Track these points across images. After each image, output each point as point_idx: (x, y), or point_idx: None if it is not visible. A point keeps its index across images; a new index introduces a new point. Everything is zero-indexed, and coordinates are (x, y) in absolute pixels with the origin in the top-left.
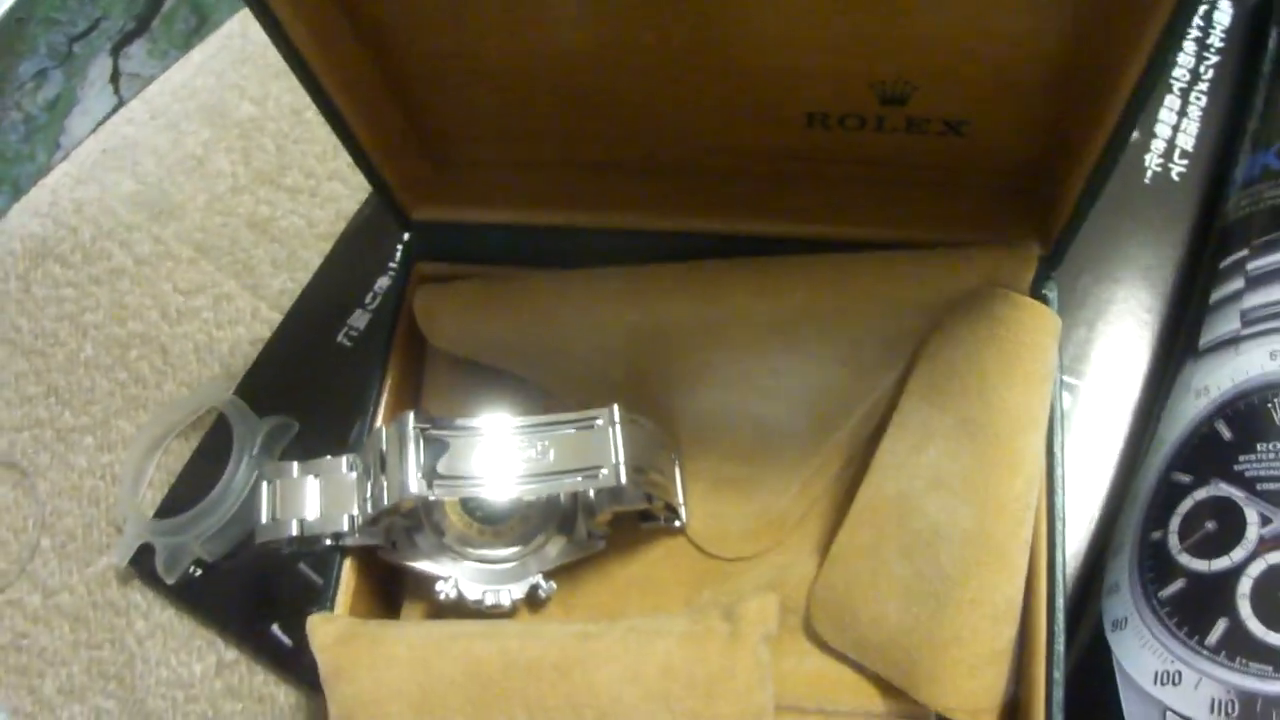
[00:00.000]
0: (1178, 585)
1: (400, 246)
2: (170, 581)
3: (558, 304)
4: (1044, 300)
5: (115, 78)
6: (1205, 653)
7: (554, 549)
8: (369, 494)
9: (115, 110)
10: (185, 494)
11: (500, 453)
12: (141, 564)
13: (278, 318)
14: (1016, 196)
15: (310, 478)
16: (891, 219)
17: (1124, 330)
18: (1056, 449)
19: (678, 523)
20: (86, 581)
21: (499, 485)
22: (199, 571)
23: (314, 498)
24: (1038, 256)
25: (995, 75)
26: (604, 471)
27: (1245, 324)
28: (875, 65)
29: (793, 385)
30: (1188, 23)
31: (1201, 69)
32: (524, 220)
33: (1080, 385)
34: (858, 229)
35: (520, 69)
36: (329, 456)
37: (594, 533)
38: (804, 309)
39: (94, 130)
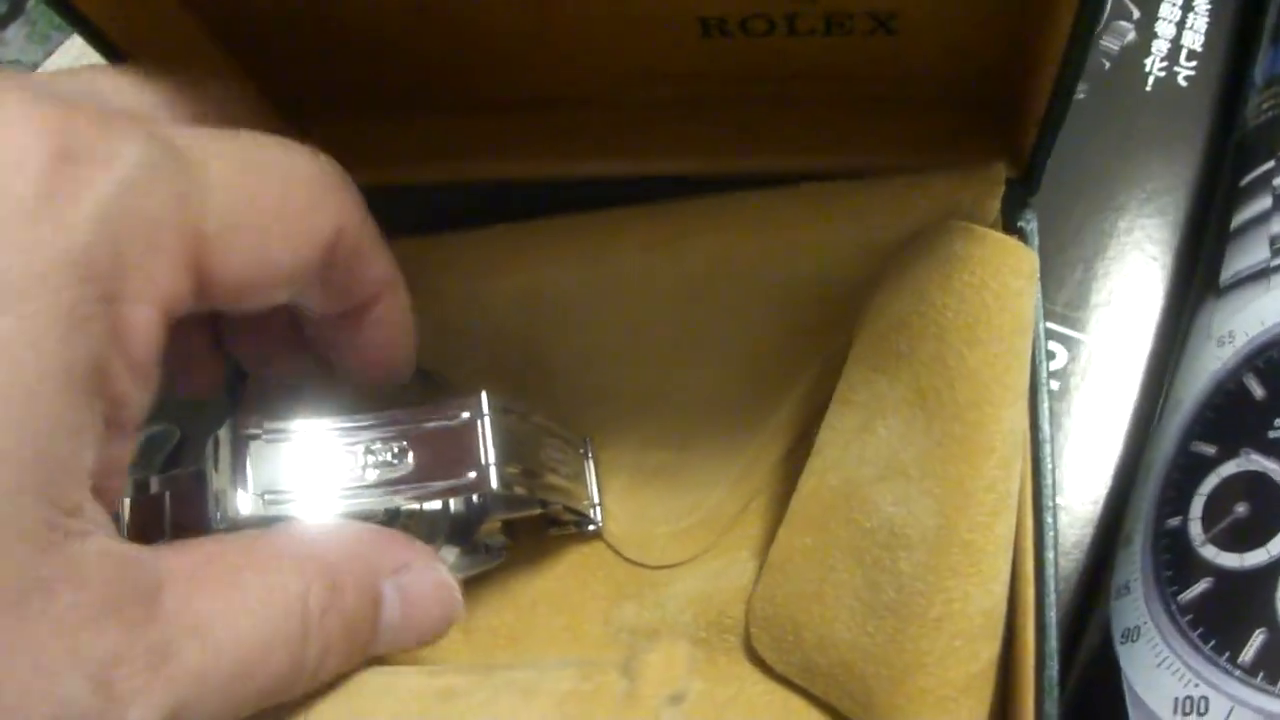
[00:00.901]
0: (1202, 586)
1: None
2: None
3: (439, 274)
4: (1020, 234)
5: None
6: (1238, 673)
7: (447, 560)
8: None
9: None
10: None
11: (339, 460)
12: None
13: None
14: (973, 108)
15: (167, 494)
16: (820, 146)
17: (1130, 268)
18: (1042, 421)
19: (591, 526)
20: None
21: (332, 501)
22: None
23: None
24: (1005, 180)
25: None
26: (471, 475)
27: (1277, 252)
28: None
29: (718, 353)
30: None
31: None
32: (403, 179)
33: (1079, 338)
34: (780, 160)
35: (371, 14)
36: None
37: (490, 543)
38: (715, 261)
39: None
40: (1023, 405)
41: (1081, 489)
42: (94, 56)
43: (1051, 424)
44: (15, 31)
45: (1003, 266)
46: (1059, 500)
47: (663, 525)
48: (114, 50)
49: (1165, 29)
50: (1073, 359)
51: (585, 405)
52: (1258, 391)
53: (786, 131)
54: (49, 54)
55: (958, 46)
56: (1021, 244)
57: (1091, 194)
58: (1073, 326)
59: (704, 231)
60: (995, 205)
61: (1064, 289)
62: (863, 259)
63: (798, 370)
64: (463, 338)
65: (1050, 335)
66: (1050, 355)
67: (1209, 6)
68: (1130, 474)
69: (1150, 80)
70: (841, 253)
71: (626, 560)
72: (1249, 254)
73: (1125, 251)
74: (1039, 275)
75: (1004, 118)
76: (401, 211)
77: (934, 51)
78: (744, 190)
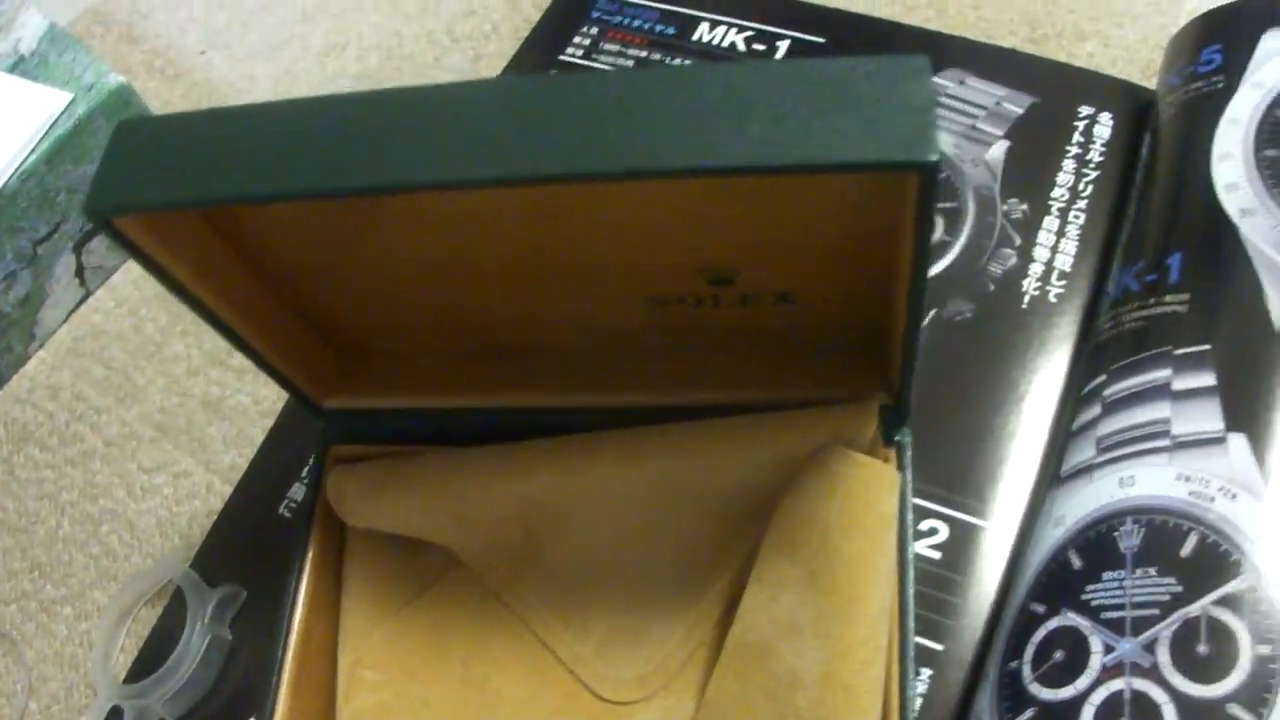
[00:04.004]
0: (1029, 714)
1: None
2: None
3: (454, 481)
4: (898, 446)
5: (80, 271)
6: None
7: None
8: None
9: (83, 301)
10: (152, 658)
11: None
12: None
13: (229, 491)
14: (855, 353)
15: None
16: (740, 383)
17: (1004, 459)
18: (907, 591)
19: None
20: None
21: None
22: None
23: None
24: (878, 409)
25: (808, 256)
26: None
27: (1099, 451)
28: (698, 256)
29: (668, 541)
30: (933, 204)
31: (1080, 186)
32: (420, 405)
33: (960, 517)
34: (711, 394)
35: (390, 275)
36: None
37: None
38: (662, 475)
39: (65, 320)
40: (891, 580)
41: (959, 638)
42: None
43: (913, 593)
44: (99, 243)
45: (870, 482)
46: (940, 648)
47: (628, 670)
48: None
49: (1041, 253)
50: (954, 534)
51: (570, 580)
52: (1076, 563)
53: (715, 375)
54: (126, 259)
55: (839, 312)
56: (884, 464)
57: (975, 397)
58: (953, 507)
59: (657, 452)
60: (872, 427)
61: (949, 477)
62: (774, 474)
63: (728, 555)
64: (475, 526)
65: (933, 514)
66: (934, 531)
67: (1079, 231)
68: (994, 626)
69: (1026, 298)
70: (759, 469)
71: (600, 699)
72: (1081, 452)
73: (1000, 445)
74: (909, 479)
75: (878, 360)
76: (426, 427)
77: (823, 316)
78: (685, 420)
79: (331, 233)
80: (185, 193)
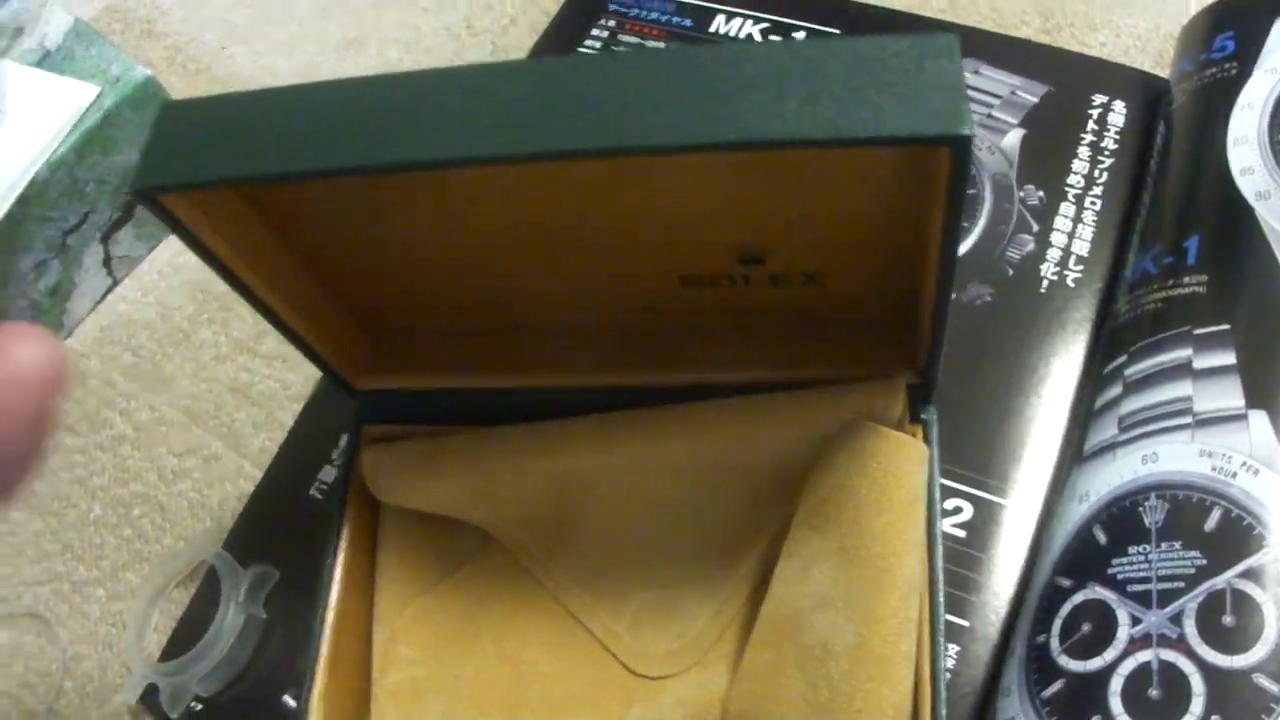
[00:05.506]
0: (1058, 686)
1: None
2: (174, 716)
3: (485, 458)
4: (923, 424)
5: (108, 261)
6: None
7: None
8: None
9: (110, 290)
10: (186, 637)
11: None
12: (150, 701)
13: (259, 474)
14: (883, 331)
15: None
16: (769, 361)
17: (1024, 438)
18: (936, 564)
19: None
20: (104, 717)
21: None
22: (199, 706)
23: None
24: (905, 387)
25: (838, 236)
26: None
27: (1122, 429)
28: (730, 235)
29: (699, 517)
30: (965, 179)
31: (1096, 173)
32: (454, 384)
33: (982, 496)
34: (740, 373)
35: (423, 256)
36: None
37: None
38: (692, 452)
39: (93, 309)
40: (920, 553)
41: (984, 614)
42: (188, 251)
43: (941, 567)
44: (126, 233)
45: (899, 456)
46: (967, 623)
47: (661, 646)
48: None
49: (1058, 239)
50: (978, 513)
51: (604, 556)
52: (1101, 539)
53: (745, 353)
54: (152, 249)
55: (867, 291)
56: (914, 439)
57: (995, 378)
58: (977, 486)
59: (687, 429)
60: (899, 405)
61: (972, 457)
62: (803, 450)
63: (758, 531)
64: (507, 504)
65: (958, 494)
66: (959, 510)
67: (1095, 217)
68: (1020, 603)
69: (1045, 283)
70: (788, 445)
71: (633, 673)
72: (1104, 430)
73: (1020, 425)
74: (936, 455)
75: (905, 339)
76: (458, 407)
77: (850, 295)
78: (715, 398)
79: (366, 214)
80: (228, 170)
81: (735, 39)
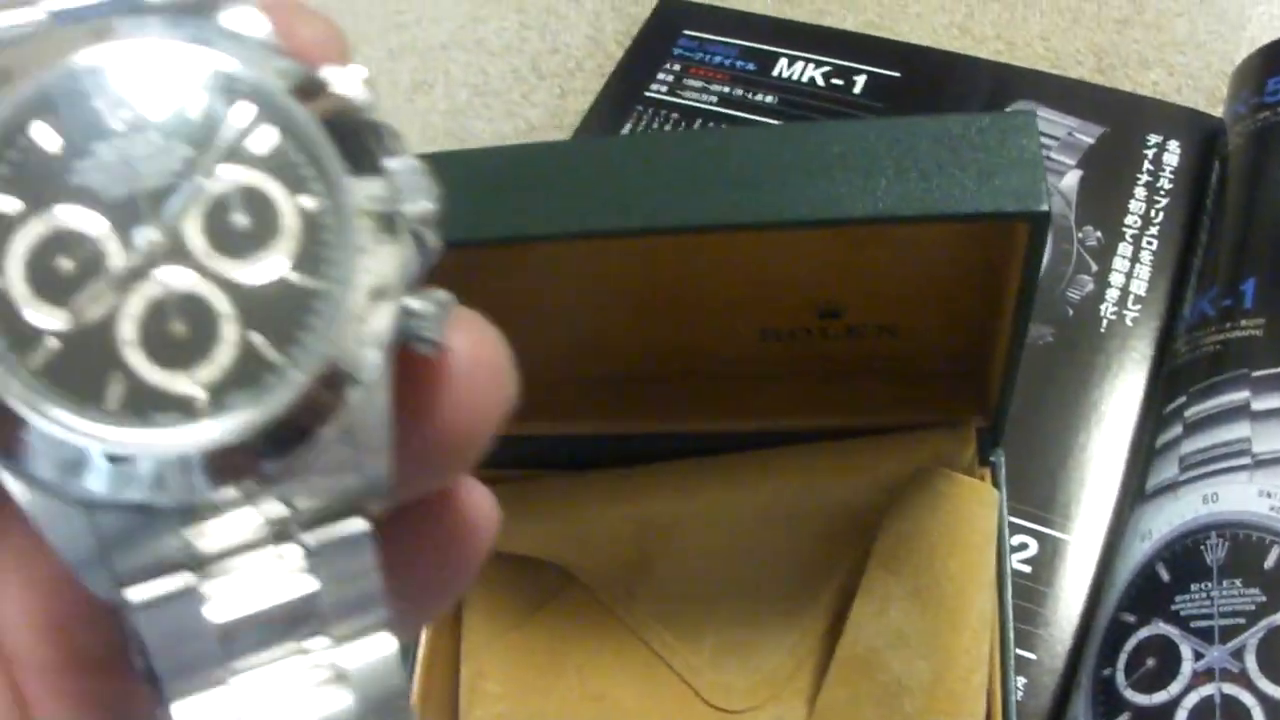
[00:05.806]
0: (1124, 718)
1: None
2: None
3: (573, 503)
4: (991, 466)
5: None
6: None
7: None
8: None
9: None
10: None
11: None
12: None
13: None
14: (954, 379)
15: None
16: (844, 409)
17: (1087, 477)
18: (1006, 602)
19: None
20: None
21: None
22: None
23: None
24: (974, 433)
25: (915, 292)
26: None
27: (1183, 469)
28: (811, 294)
29: (775, 558)
30: (1042, 249)
31: (1152, 213)
32: (544, 431)
33: (1048, 533)
34: (816, 419)
35: (525, 313)
36: None
37: None
38: (771, 497)
39: None
40: (990, 593)
41: (1050, 647)
42: None
43: (1011, 604)
44: None
45: (971, 500)
46: (1033, 656)
47: (740, 680)
48: None
49: (1117, 279)
50: (1042, 549)
51: (682, 596)
52: (1165, 576)
53: (821, 401)
54: None
55: (940, 342)
56: (984, 483)
57: (1057, 417)
58: (1043, 524)
59: (765, 475)
60: (970, 450)
61: (1036, 494)
62: (877, 494)
63: (833, 571)
64: (592, 546)
65: (1024, 530)
66: (1024, 546)
67: (1152, 257)
68: (1084, 636)
69: (1104, 323)
70: (862, 490)
71: (713, 707)
72: (1165, 470)
73: (1082, 463)
74: (1003, 498)
75: (975, 386)
76: (546, 453)
77: (924, 346)
78: (792, 444)
79: (474, 272)
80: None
81: (794, 84)
